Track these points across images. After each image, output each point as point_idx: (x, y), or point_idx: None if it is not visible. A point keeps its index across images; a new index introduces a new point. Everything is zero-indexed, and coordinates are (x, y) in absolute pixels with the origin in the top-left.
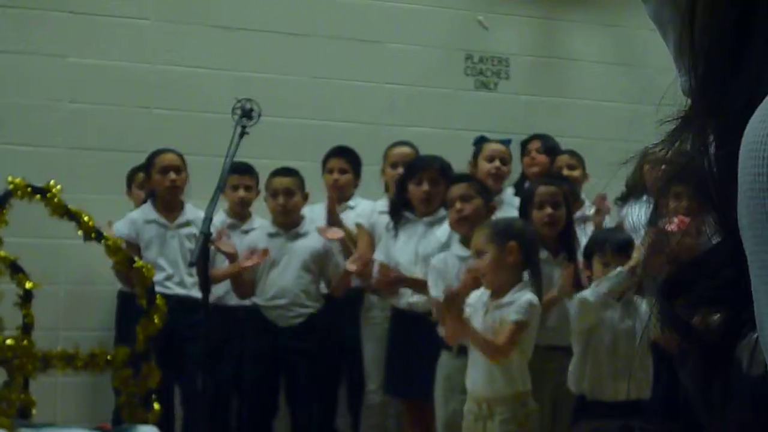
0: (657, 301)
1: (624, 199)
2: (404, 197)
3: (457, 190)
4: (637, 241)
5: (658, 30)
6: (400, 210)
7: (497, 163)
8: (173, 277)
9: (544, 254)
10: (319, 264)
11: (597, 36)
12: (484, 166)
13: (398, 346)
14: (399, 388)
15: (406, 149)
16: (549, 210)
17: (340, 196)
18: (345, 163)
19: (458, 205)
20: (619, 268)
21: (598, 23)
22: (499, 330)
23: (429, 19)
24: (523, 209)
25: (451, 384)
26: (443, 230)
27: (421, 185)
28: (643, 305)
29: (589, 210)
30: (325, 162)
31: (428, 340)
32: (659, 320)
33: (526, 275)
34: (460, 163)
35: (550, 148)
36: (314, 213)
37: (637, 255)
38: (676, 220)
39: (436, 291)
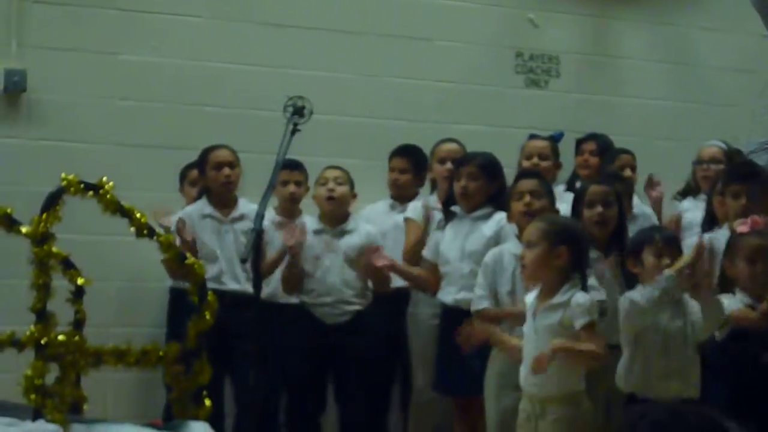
0: None
1: (683, 195)
2: (453, 193)
3: (527, 184)
4: (688, 240)
5: (761, 19)
6: (450, 206)
7: (535, 159)
8: (228, 272)
9: (594, 254)
10: (365, 260)
11: (648, 34)
12: (524, 164)
13: (446, 342)
14: (448, 385)
15: (453, 145)
16: (599, 209)
17: (401, 194)
18: (406, 162)
19: (528, 198)
20: (667, 271)
21: (649, 21)
22: (566, 332)
23: (479, 16)
24: (575, 208)
25: (504, 381)
26: (489, 226)
27: (459, 181)
28: (693, 305)
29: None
30: (389, 160)
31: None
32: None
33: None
34: (510, 161)
35: (605, 149)
36: (370, 212)
37: (686, 256)
38: (749, 220)
39: (484, 291)
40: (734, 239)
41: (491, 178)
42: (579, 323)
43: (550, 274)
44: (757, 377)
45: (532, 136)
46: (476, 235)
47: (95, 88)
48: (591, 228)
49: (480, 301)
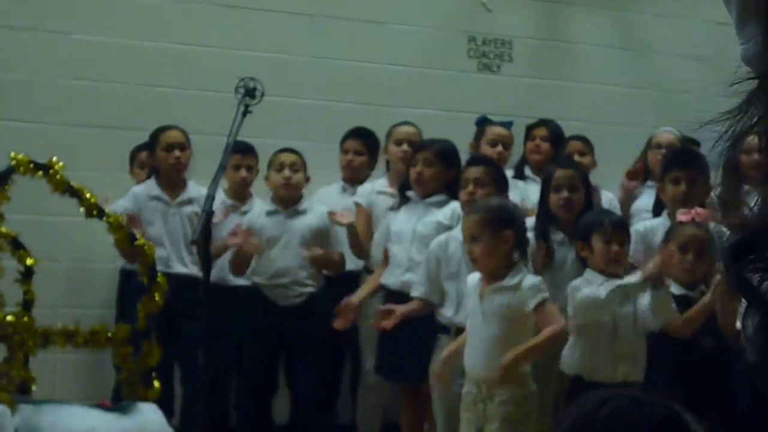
0: (725, 264)
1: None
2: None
3: (473, 172)
4: (636, 225)
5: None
6: (405, 190)
7: (500, 148)
8: (175, 256)
9: (559, 236)
10: (318, 242)
11: (601, 19)
12: (487, 150)
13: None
14: (392, 370)
15: (411, 128)
16: (565, 193)
17: (354, 176)
18: (361, 145)
19: (471, 187)
20: (639, 275)
21: (602, 7)
22: (516, 315)
23: (432, 0)
24: (543, 192)
25: (452, 367)
26: (444, 213)
27: (415, 166)
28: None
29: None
30: (342, 142)
31: (420, 321)
32: (727, 282)
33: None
34: (462, 146)
35: (555, 135)
36: (322, 195)
37: (657, 261)
38: (692, 211)
39: (422, 278)
40: (672, 227)
41: (447, 166)
42: (532, 303)
43: (499, 259)
44: (697, 361)
45: (485, 120)
46: (429, 219)
47: (48, 67)
48: (557, 212)
49: (416, 287)
